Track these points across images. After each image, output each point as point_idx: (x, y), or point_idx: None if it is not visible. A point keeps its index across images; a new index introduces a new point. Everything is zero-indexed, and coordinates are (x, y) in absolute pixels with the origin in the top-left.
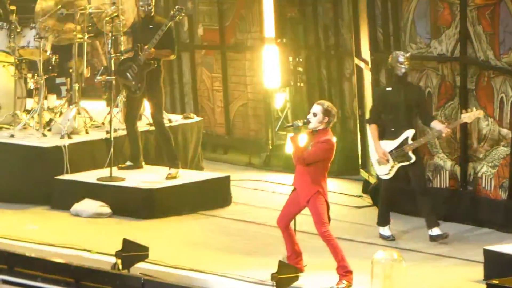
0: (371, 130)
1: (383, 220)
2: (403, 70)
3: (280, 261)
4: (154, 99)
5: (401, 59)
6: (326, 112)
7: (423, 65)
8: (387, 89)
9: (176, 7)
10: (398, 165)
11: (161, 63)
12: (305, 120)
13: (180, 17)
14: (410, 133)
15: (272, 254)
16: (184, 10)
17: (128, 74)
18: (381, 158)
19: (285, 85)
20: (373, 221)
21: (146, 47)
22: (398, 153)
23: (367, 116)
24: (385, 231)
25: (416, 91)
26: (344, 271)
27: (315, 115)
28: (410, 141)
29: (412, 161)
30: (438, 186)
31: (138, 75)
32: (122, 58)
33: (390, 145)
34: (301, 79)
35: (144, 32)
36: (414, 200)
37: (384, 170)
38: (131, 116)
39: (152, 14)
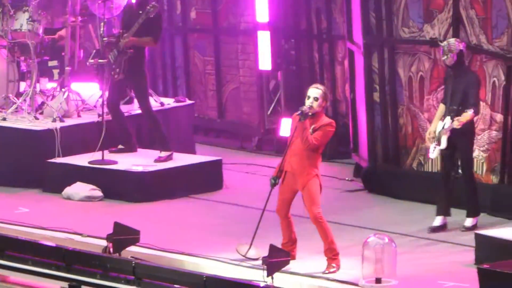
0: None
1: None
2: (445, 60)
3: (271, 245)
4: (138, 86)
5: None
6: (326, 96)
7: (415, 49)
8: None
9: (151, 4)
10: (438, 148)
11: (145, 49)
12: (310, 106)
13: (153, 14)
14: (448, 119)
15: (263, 238)
16: (157, 7)
17: (110, 56)
18: (427, 135)
19: (277, 69)
20: (364, 205)
21: (125, 35)
22: (437, 137)
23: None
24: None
25: (464, 79)
26: (333, 254)
27: (316, 99)
28: (445, 127)
29: (441, 147)
30: (430, 170)
31: (117, 60)
32: (107, 40)
33: (439, 126)
34: (293, 62)
35: (132, 17)
36: (406, 184)
37: (430, 149)
38: (112, 101)
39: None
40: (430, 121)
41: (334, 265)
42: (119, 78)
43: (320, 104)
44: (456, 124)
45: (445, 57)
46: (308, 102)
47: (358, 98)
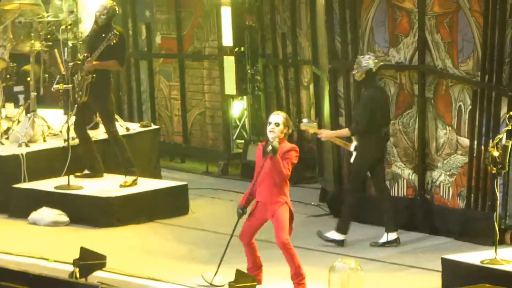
0: None
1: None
2: (354, 75)
3: (237, 270)
4: (104, 110)
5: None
6: (287, 122)
7: (381, 74)
8: None
9: (113, 32)
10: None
11: (111, 73)
12: (277, 140)
13: (114, 41)
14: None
15: (229, 263)
16: (118, 35)
17: (74, 79)
18: None
19: (243, 94)
20: (330, 230)
21: (88, 59)
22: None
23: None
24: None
25: (361, 96)
26: (299, 279)
27: (277, 125)
28: None
29: (351, 160)
30: (396, 194)
31: (80, 83)
32: (73, 63)
33: None
34: (259, 87)
35: (96, 41)
36: (372, 209)
37: None
38: (78, 124)
39: (107, 23)
40: (396, 146)
41: None
42: (82, 101)
43: (281, 130)
44: (322, 136)
45: (355, 71)
46: (269, 128)
47: (324, 122)
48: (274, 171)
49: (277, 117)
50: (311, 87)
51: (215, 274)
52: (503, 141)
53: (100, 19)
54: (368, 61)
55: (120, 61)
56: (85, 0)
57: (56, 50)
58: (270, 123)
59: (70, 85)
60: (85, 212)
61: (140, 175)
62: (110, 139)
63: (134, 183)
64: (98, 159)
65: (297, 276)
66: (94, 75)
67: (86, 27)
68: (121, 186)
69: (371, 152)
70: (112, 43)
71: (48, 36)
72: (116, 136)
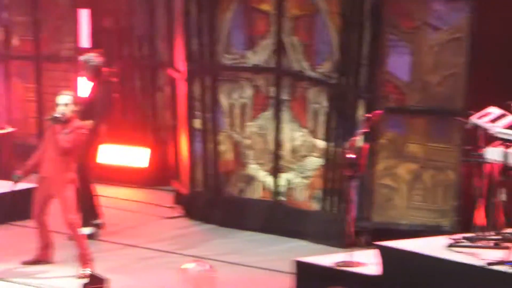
0: None
1: None
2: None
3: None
4: None
5: None
6: (75, 101)
7: (237, 76)
8: None
9: None
10: None
11: None
12: (63, 112)
13: None
14: None
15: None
16: None
17: None
18: None
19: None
20: (184, 232)
21: None
22: None
23: None
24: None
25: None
26: (87, 259)
27: (67, 105)
28: None
29: None
30: (252, 197)
31: None
32: None
33: None
34: (116, 89)
35: None
36: (227, 211)
37: None
38: None
39: None
40: (252, 148)
41: (88, 268)
42: None
43: (71, 109)
44: None
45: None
46: (60, 110)
47: (180, 125)
48: (52, 142)
49: (66, 97)
50: (168, 89)
51: None
52: (359, 144)
53: None
54: (97, 59)
55: None
56: None
57: None
58: (58, 105)
59: None
60: None
61: None
62: None
63: None
64: None
65: (85, 257)
66: None
67: None
68: None
69: None
70: None
71: None
72: None
